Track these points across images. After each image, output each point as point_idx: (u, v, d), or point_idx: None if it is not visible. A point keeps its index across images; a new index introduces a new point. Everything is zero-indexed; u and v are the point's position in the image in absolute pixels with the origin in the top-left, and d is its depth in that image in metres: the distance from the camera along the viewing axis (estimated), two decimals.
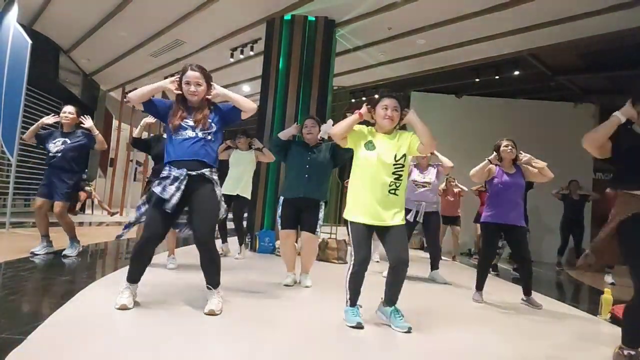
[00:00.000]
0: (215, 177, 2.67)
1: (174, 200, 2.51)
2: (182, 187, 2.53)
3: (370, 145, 2.65)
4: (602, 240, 2.25)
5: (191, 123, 2.62)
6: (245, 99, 2.77)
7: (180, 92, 2.69)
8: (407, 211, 4.79)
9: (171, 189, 2.52)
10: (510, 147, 3.73)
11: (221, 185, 3.25)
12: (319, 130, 3.72)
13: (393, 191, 2.60)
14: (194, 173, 2.57)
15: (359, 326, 2.51)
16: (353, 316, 2.57)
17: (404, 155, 2.63)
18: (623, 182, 2.25)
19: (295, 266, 3.81)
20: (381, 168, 2.60)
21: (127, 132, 12.98)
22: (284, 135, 3.73)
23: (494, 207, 3.70)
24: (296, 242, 3.97)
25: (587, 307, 4.08)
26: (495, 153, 3.79)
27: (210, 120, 2.67)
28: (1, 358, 1.69)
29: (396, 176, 2.60)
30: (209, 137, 2.66)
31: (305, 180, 3.58)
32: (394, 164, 2.60)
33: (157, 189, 2.54)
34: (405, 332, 2.50)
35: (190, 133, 2.61)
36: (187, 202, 2.62)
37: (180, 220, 2.74)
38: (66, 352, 1.85)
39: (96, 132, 4.29)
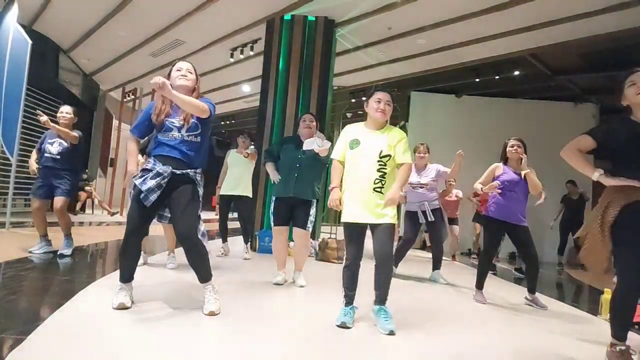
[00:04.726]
0: (199, 177, 2.64)
1: (153, 196, 2.48)
2: (164, 184, 2.51)
3: (354, 144, 2.65)
4: (598, 242, 2.23)
5: (177, 124, 2.59)
6: (192, 101, 2.50)
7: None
8: (411, 214, 4.78)
9: (151, 182, 2.48)
10: (516, 147, 3.73)
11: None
12: (317, 125, 3.77)
13: (379, 189, 2.58)
14: (178, 172, 2.55)
15: (344, 326, 2.51)
16: (342, 315, 2.57)
17: (389, 155, 2.60)
18: (624, 175, 2.20)
19: (285, 264, 3.82)
20: (365, 164, 2.60)
21: (127, 132, 12.98)
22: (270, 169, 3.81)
23: (497, 203, 3.70)
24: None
25: (587, 307, 4.07)
26: (479, 192, 3.82)
27: (193, 120, 2.61)
28: (1, 358, 1.69)
29: (381, 173, 2.59)
30: (196, 139, 2.62)
31: (294, 179, 3.60)
32: (378, 160, 2.58)
33: (137, 180, 2.50)
34: (387, 334, 2.45)
35: (176, 134, 2.59)
36: (168, 199, 2.59)
37: (164, 213, 2.73)
38: (66, 352, 1.85)
39: (52, 125, 4.11)
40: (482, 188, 3.75)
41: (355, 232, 2.65)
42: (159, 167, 2.53)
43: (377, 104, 2.63)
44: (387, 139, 2.63)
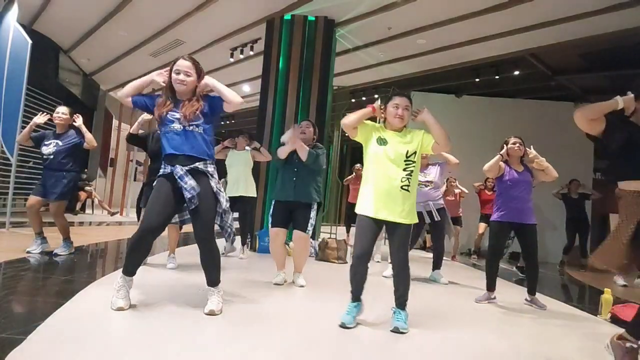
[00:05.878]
0: (210, 168, 2.62)
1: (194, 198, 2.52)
2: (186, 181, 2.52)
3: (382, 141, 2.67)
4: (617, 245, 2.11)
5: (178, 116, 2.58)
6: (232, 92, 2.66)
7: (165, 83, 2.66)
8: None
9: (191, 182, 2.51)
10: (518, 145, 3.74)
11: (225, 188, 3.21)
12: (314, 132, 3.79)
13: (406, 187, 2.61)
14: (186, 168, 2.55)
15: (343, 326, 2.51)
16: (345, 314, 2.58)
17: (415, 152, 2.65)
18: (628, 175, 2.16)
19: (285, 265, 3.82)
20: (392, 163, 2.62)
21: (127, 132, 12.97)
22: (282, 153, 3.67)
23: (504, 205, 3.69)
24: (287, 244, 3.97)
25: (587, 307, 4.07)
26: (505, 147, 3.78)
27: (197, 112, 2.60)
28: (1, 358, 1.69)
29: (407, 172, 2.62)
30: (197, 129, 2.59)
31: (293, 183, 3.61)
32: (405, 160, 2.62)
33: (186, 194, 2.51)
34: (391, 329, 2.52)
35: (177, 126, 2.57)
36: (184, 197, 2.57)
37: (179, 216, 2.73)
38: (66, 352, 1.85)
39: (85, 130, 4.28)
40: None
41: (368, 227, 2.64)
42: (176, 171, 2.54)
43: (395, 110, 2.66)
44: (411, 139, 2.68)
